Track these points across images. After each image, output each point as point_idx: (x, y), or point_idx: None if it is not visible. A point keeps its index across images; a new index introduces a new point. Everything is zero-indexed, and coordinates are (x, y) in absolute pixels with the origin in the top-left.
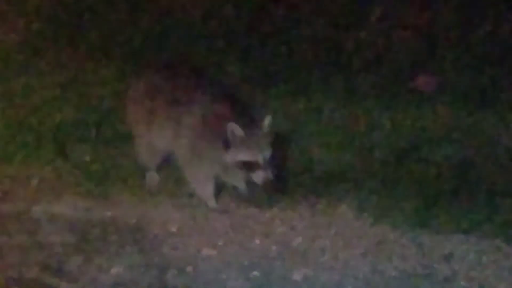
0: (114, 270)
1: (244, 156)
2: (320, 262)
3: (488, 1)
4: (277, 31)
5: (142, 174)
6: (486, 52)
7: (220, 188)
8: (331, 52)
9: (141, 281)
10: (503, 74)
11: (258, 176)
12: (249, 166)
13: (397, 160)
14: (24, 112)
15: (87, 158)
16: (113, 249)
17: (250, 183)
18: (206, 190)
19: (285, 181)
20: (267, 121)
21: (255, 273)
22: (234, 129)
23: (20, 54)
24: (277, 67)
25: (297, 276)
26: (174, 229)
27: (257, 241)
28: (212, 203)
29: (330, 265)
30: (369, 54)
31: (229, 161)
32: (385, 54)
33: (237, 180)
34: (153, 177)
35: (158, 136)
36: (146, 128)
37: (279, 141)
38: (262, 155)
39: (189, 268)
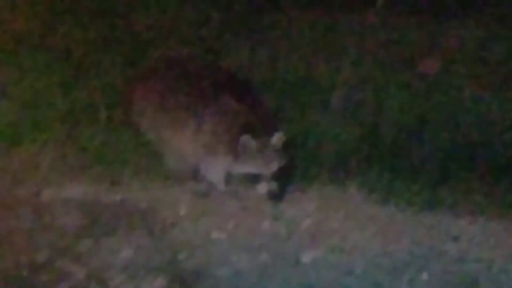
0: (124, 253)
1: (251, 169)
2: (329, 244)
3: None
4: (284, 15)
5: (152, 158)
6: (490, 33)
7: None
8: (337, 35)
9: (151, 263)
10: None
11: (263, 188)
12: (255, 177)
13: (405, 141)
14: (35, 94)
15: (98, 141)
16: (123, 232)
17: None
18: (217, 176)
19: (286, 190)
20: (277, 137)
21: (265, 255)
22: (247, 141)
23: (32, 36)
24: (285, 50)
25: (306, 258)
26: (183, 212)
27: (267, 224)
28: (221, 186)
29: (340, 247)
30: (376, 37)
31: (237, 170)
32: (392, 37)
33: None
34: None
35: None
36: (171, 133)
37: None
38: (267, 169)
39: (198, 251)
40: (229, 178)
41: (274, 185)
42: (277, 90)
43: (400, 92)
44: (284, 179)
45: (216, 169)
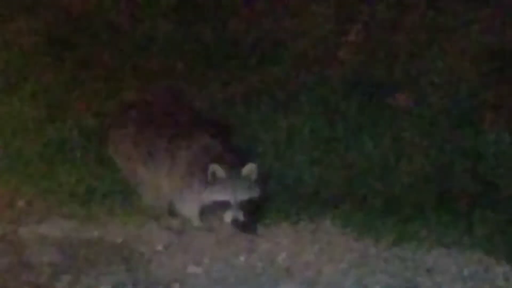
0: None
1: (218, 196)
2: (304, 277)
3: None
4: (258, 50)
5: (128, 194)
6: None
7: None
8: (310, 71)
9: None
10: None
11: (228, 216)
12: (222, 206)
13: (378, 175)
14: (10, 134)
15: (73, 179)
16: (100, 268)
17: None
18: (191, 211)
19: (255, 222)
20: (248, 167)
21: None
22: (216, 170)
23: (3, 77)
24: (258, 85)
25: None
26: (160, 248)
27: (242, 258)
28: (196, 221)
29: (315, 280)
30: (348, 72)
31: (206, 199)
32: (364, 72)
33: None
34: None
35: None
36: (146, 169)
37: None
38: (234, 197)
39: (175, 286)
40: (203, 213)
41: (240, 215)
42: (251, 125)
43: (372, 127)
44: (254, 211)
45: (190, 204)
